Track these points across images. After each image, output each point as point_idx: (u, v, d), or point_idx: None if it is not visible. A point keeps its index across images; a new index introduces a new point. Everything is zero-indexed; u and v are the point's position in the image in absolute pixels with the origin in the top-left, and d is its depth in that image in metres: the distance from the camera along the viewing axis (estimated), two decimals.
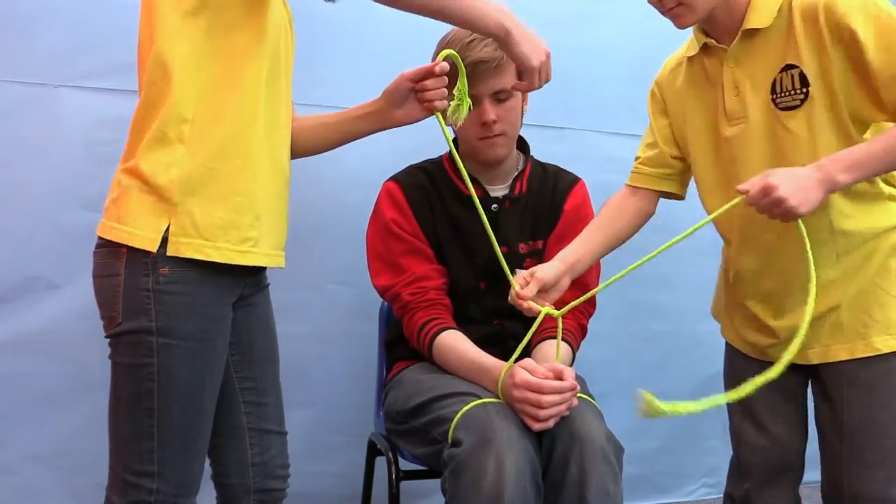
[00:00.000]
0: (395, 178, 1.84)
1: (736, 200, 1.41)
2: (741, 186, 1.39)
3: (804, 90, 1.43)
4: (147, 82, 1.31)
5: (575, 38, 2.45)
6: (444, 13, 1.33)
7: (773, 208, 1.34)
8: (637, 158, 1.73)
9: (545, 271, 1.57)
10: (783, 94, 1.45)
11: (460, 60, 1.53)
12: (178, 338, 1.28)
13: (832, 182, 1.35)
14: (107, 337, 1.33)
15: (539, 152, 1.94)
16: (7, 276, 1.95)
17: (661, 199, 1.74)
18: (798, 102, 1.44)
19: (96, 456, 2.02)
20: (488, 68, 1.69)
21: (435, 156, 1.90)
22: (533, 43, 1.40)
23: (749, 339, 1.64)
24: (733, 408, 1.70)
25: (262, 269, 1.47)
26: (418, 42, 1.91)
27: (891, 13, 1.36)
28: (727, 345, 1.74)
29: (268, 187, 1.38)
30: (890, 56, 1.35)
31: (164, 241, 1.27)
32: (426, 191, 1.80)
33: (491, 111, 1.72)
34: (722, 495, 1.76)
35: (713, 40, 1.53)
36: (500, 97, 1.74)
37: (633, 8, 2.59)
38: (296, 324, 2.21)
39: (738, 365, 1.68)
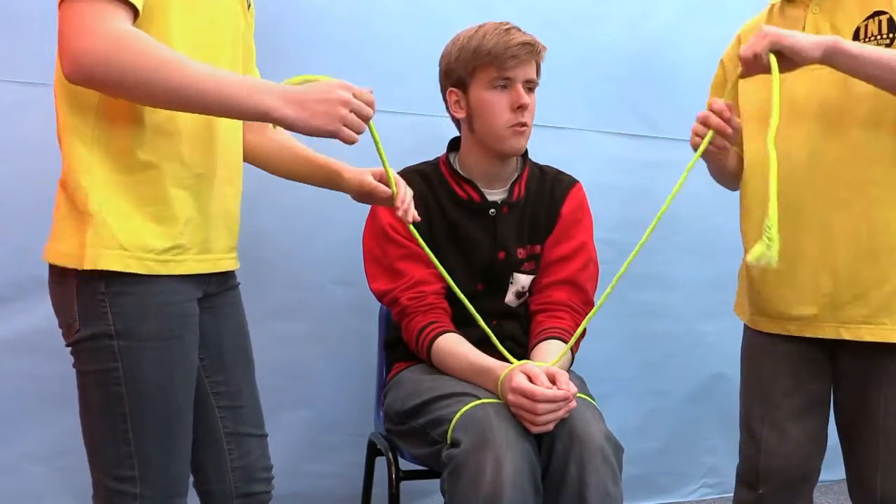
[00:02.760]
0: None
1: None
2: (744, 49, 1.42)
3: (890, 35, 1.44)
4: (64, 89, 1.24)
5: (575, 38, 2.45)
6: (187, 106, 1.17)
7: (769, 45, 1.37)
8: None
9: None
10: (867, 40, 1.46)
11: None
12: (141, 339, 1.24)
13: (834, 40, 1.37)
14: (67, 345, 1.28)
15: (538, 153, 1.94)
16: (7, 275, 1.95)
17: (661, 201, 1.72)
18: (883, 48, 1.43)
19: None
20: (532, 51, 1.72)
21: (433, 156, 1.90)
22: (312, 107, 1.19)
23: (794, 313, 1.58)
24: (753, 411, 1.66)
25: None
26: (423, 37, 1.92)
27: None
28: (747, 347, 1.70)
29: (200, 192, 1.30)
30: None
31: (84, 251, 1.20)
32: (423, 194, 1.79)
33: (525, 96, 1.73)
34: (722, 496, 1.75)
35: None
36: (529, 87, 1.75)
37: (633, 8, 2.59)
38: (296, 324, 2.22)
39: (763, 368, 1.64)
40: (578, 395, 1.56)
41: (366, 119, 1.25)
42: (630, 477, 1.64)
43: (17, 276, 1.95)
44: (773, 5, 1.63)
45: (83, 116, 1.22)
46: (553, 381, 1.51)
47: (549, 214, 1.84)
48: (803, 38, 1.39)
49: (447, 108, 1.83)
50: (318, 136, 1.21)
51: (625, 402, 2.55)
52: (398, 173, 1.84)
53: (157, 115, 1.24)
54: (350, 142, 1.24)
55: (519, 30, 1.75)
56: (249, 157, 1.54)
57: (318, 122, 1.20)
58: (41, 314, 1.96)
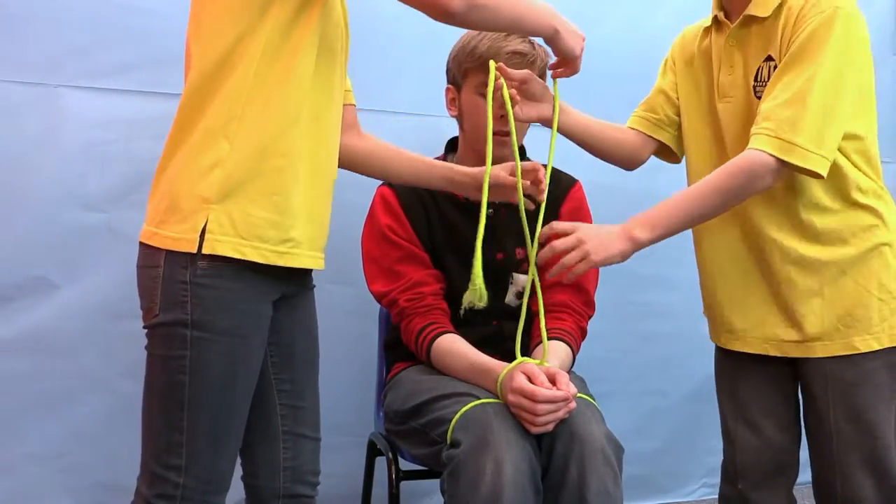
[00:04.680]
0: (388, 183, 1.83)
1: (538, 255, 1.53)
2: (557, 227, 1.50)
3: (765, 82, 1.50)
4: (201, 75, 1.30)
5: None
6: (500, 24, 1.42)
7: (575, 255, 1.46)
8: (640, 105, 1.80)
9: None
10: (759, 84, 1.51)
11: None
12: (213, 332, 1.28)
13: (631, 238, 1.47)
14: (144, 327, 1.33)
15: (538, 152, 1.93)
16: (7, 276, 1.95)
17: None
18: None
19: (96, 456, 2.03)
20: (523, 62, 1.70)
21: (433, 156, 1.89)
22: (574, 34, 1.48)
23: (726, 331, 1.67)
24: (726, 410, 1.69)
25: (308, 270, 1.45)
26: (423, 37, 1.89)
27: (824, 46, 1.41)
28: (716, 346, 1.74)
29: (310, 188, 1.36)
30: (781, 68, 1.45)
31: (202, 237, 1.26)
32: (420, 195, 1.79)
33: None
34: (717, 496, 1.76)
35: (723, 14, 1.59)
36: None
37: (632, 8, 2.59)
38: None
39: (729, 367, 1.69)
40: (579, 395, 1.56)
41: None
42: (630, 477, 1.64)
43: (17, 276, 1.95)
44: (703, 27, 1.66)
45: (236, 102, 1.27)
46: (553, 381, 1.51)
47: (548, 214, 1.82)
48: (607, 253, 1.46)
49: (446, 103, 1.84)
50: (569, 54, 1.49)
51: (625, 402, 2.54)
52: None
53: (292, 109, 1.31)
54: (576, 71, 1.54)
55: (520, 36, 1.73)
56: (349, 162, 1.63)
57: (573, 43, 1.48)
58: (41, 314, 1.98)
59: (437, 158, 1.88)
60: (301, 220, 1.34)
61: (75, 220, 1.97)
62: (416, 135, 2.21)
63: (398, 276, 1.76)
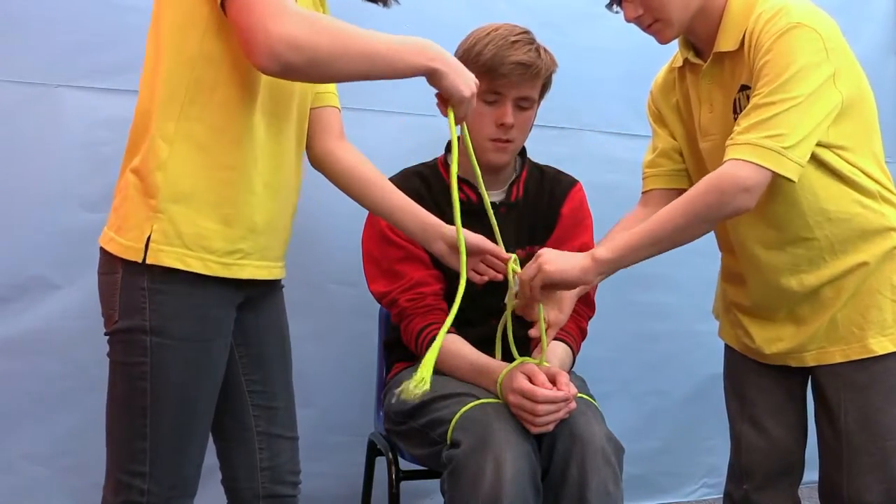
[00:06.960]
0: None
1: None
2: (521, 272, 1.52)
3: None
4: (152, 81, 1.29)
5: (575, 38, 2.45)
6: (368, 74, 1.27)
7: (539, 278, 1.48)
8: (644, 166, 1.73)
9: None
10: (739, 114, 1.48)
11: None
12: (172, 338, 1.27)
13: (592, 256, 1.47)
14: (105, 334, 1.32)
15: (539, 153, 1.94)
16: (7, 276, 1.95)
17: None
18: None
19: (96, 456, 2.01)
20: (526, 73, 1.69)
21: (433, 157, 1.89)
22: (462, 74, 1.33)
23: (741, 339, 1.66)
24: (733, 410, 1.70)
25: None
26: (411, 34, 1.88)
27: (786, 58, 1.38)
28: (726, 346, 1.74)
29: (267, 199, 1.35)
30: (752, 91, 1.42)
31: (147, 247, 1.25)
32: (421, 195, 1.79)
33: (510, 115, 1.72)
34: (722, 496, 1.76)
35: (693, 54, 1.57)
36: (522, 105, 1.74)
37: None
38: (296, 324, 2.19)
39: (738, 366, 1.69)
40: (579, 395, 1.56)
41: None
42: (630, 477, 1.64)
43: (17, 276, 1.95)
44: (675, 68, 1.64)
45: (170, 114, 1.26)
46: (553, 381, 1.51)
47: (548, 215, 1.83)
48: (569, 272, 1.47)
49: None
50: (455, 94, 1.31)
51: (625, 403, 2.54)
52: (397, 174, 1.85)
53: (244, 119, 1.28)
54: (464, 117, 1.37)
55: (528, 43, 1.71)
56: (323, 169, 1.57)
57: (460, 82, 1.31)
58: (41, 314, 1.98)
59: (437, 158, 1.88)
60: (254, 231, 1.32)
61: (75, 220, 1.97)
62: (416, 135, 2.22)
63: (398, 276, 1.76)
